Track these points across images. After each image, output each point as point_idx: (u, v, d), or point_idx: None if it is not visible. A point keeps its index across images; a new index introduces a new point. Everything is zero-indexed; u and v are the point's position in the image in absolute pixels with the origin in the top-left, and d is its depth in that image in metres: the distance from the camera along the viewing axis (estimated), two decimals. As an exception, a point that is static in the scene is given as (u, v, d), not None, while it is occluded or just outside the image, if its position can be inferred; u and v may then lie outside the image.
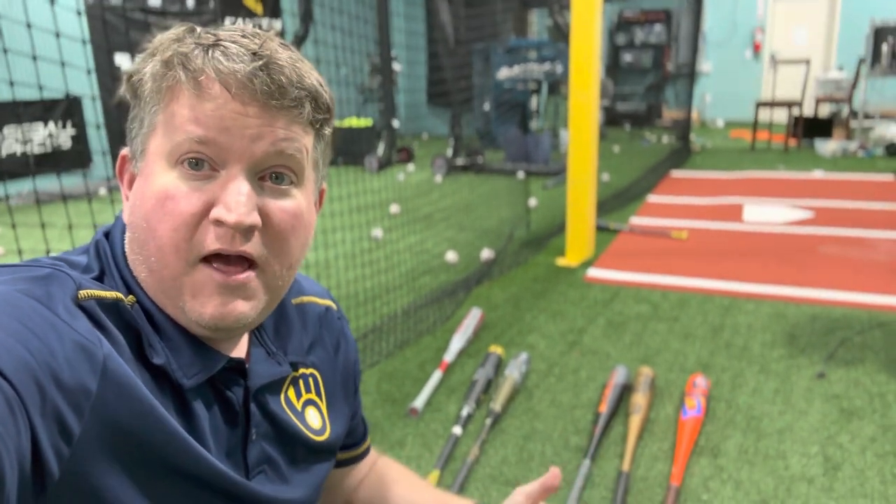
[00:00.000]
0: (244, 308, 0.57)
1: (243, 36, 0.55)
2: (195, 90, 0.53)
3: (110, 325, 0.53)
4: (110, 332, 0.52)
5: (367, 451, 0.90)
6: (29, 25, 2.04)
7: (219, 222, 0.54)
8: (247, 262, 0.56)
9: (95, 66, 5.57)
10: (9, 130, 5.85)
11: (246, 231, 0.55)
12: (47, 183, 5.72)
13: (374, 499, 0.88)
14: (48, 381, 0.45)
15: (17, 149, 5.95)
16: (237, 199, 0.53)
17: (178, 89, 0.54)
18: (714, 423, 2.07)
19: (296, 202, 0.58)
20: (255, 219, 0.54)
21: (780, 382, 2.30)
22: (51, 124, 6.15)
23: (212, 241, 0.54)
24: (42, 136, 6.11)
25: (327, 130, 0.62)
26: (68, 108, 6.26)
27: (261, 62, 0.53)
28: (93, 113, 6.10)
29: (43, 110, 6.06)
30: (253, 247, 0.56)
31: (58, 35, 2.08)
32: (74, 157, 6.32)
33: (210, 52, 0.53)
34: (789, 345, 2.59)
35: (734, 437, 1.99)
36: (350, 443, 0.86)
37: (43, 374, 0.45)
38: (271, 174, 0.57)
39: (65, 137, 6.30)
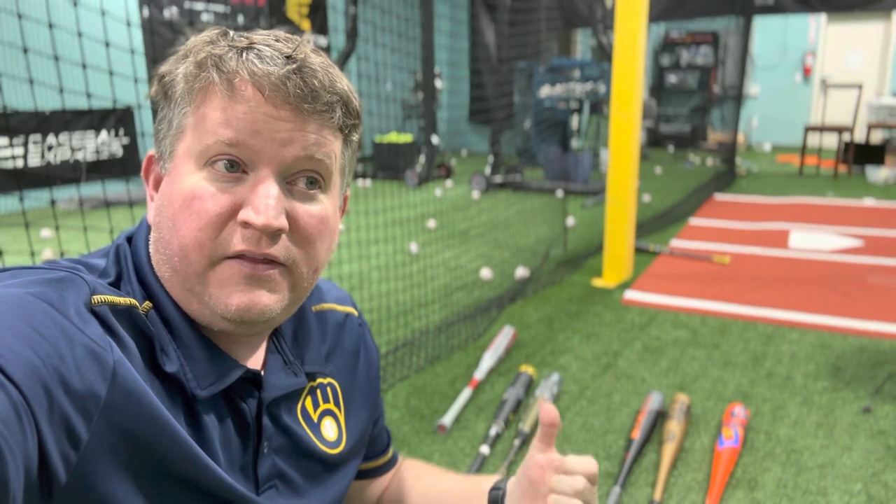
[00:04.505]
0: (269, 301, 0.56)
1: (276, 40, 0.55)
2: (228, 92, 0.53)
3: (122, 332, 0.52)
4: (122, 338, 0.52)
5: (391, 462, 0.88)
6: (80, 34, 2.11)
7: (246, 224, 0.53)
8: (272, 262, 0.56)
9: (148, 77, 5.77)
10: (63, 138, 6.07)
11: (273, 234, 0.54)
12: (98, 189, 5.92)
13: (397, 499, 0.86)
14: (56, 386, 0.45)
15: (71, 155, 6.17)
16: (266, 202, 0.53)
17: (210, 91, 0.54)
18: (752, 455, 1.99)
19: (322, 207, 0.58)
20: (282, 222, 0.54)
21: (823, 415, 2.21)
22: (103, 133, 6.36)
23: (238, 241, 0.54)
24: (95, 144, 6.33)
25: (355, 136, 0.61)
26: (121, 118, 6.47)
27: (294, 65, 0.53)
28: (143, 122, 6.30)
29: (98, 119, 6.28)
30: (279, 250, 0.55)
31: (107, 44, 2.16)
32: (126, 165, 6.53)
33: (244, 54, 0.53)
34: (834, 377, 2.49)
35: (773, 471, 1.92)
36: (372, 453, 0.84)
37: (51, 379, 0.45)
38: (299, 178, 0.57)
39: (117, 146, 6.51)
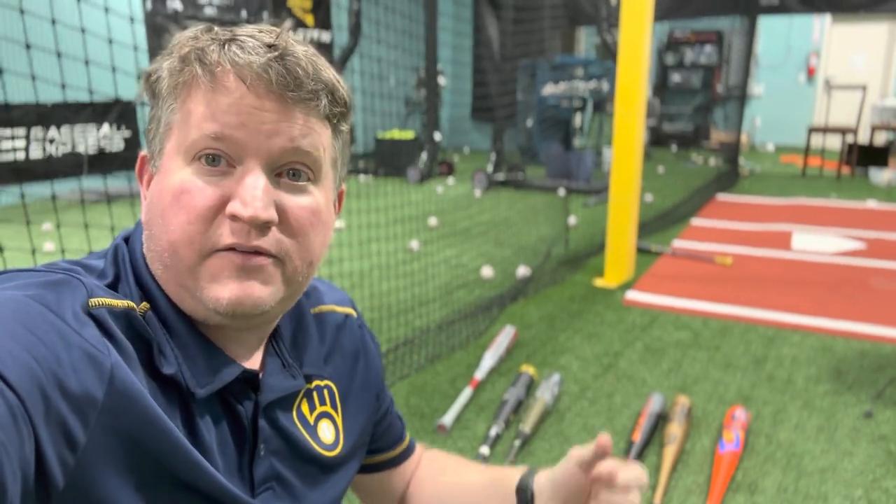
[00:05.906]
0: (262, 293, 0.55)
1: (260, 31, 0.55)
2: (211, 83, 0.53)
3: (119, 335, 0.52)
4: (119, 341, 0.51)
5: (408, 451, 0.87)
6: (83, 30, 2.10)
7: (234, 217, 0.53)
8: (264, 255, 0.55)
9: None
10: (65, 131, 6.06)
11: (262, 226, 0.54)
12: (100, 183, 5.91)
13: (426, 494, 0.85)
14: (53, 389, 0.45)
15: (72, 149, 6.16)
16: (253, 194, 0.53)
17: (194, 84, 0.54)
18: (752, 459, 1.99)
19: (314, 199, 0.58)
20: (271, 214, 0.54)
21: (824, 419, 2.21)
22: (105, 126, 6.35)
23: (227, 235, 0.54)
24: (96, 137, 6.32)
25: (344, 127, 0.61)
26: (123, 111, 6.46)
27: (276, 53, 0.53)
28: (144, 116, 6.28)
29: (99, 113, 6.27)
30: (269, 242, 0.55)
31: (109, 41, 2.15)
32: (128, 158, 6.53)
33: (226, 46, 0.53)
34: (835, 380, 2.48)
35: (773, 474, 1.91)
36: (385, 445, 0.83)
37: (48, 382, 0.44)
38: (288, 171, 0.56)
39: (118, 139, 6.50)
